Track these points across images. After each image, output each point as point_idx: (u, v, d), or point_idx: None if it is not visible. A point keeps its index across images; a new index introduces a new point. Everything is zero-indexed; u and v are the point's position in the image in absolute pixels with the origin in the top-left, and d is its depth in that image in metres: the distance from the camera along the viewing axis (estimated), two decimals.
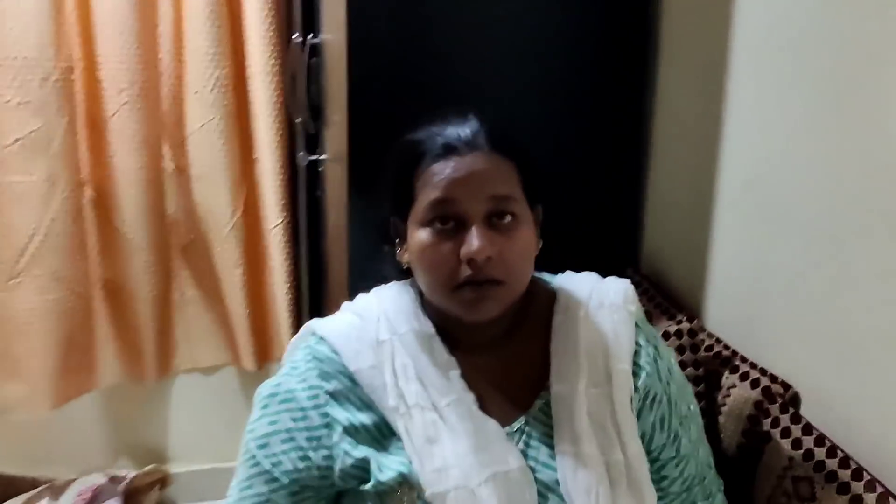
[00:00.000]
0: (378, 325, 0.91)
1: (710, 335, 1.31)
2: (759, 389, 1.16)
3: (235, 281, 2.05)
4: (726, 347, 1.26)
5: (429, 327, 0.92)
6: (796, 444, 1.06)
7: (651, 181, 1.57)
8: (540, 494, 0.87)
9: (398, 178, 0.91)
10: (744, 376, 1.19)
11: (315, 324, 0.97)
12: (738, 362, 1.22)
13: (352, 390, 0.88)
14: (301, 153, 1.60)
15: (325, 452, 0.87)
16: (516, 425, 0.91)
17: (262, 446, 0.89)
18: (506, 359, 0.94)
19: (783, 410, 1.10)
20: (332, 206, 1.60)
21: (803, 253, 1.17)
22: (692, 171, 1.41)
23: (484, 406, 0.90)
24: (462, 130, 0.88)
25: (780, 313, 1.20)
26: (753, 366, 1.20)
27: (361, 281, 1.02)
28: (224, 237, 2.01)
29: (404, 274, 0.97)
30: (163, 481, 2.22)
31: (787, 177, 1.18)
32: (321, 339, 0.92)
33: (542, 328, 0.96)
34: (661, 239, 1.57)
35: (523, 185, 0.90)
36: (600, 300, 0.97)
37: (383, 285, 1.00)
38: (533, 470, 0.88)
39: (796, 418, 1.08)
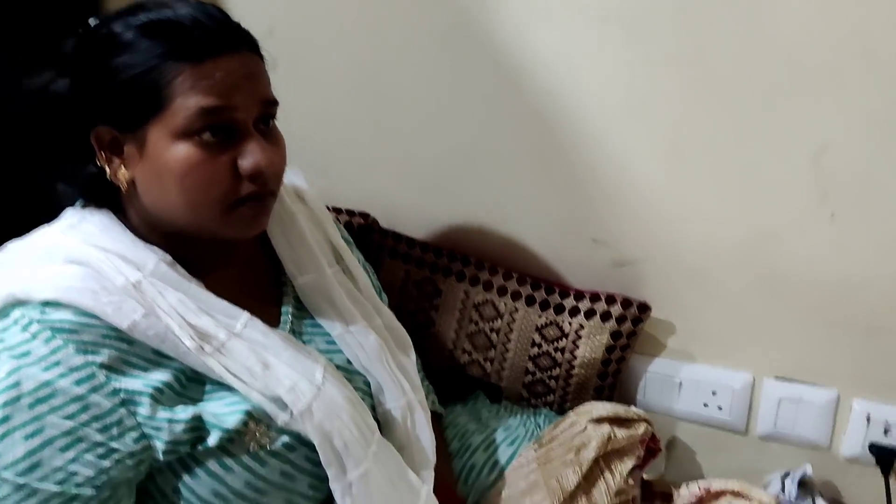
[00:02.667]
0: (114, 267, 0.73)
1: None
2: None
3: None
4: None
5: (164, 255, 0.77)
6: (406, 258, 1.22)
7: None
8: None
9: (126, 78, 0.72)
10: None
11: (20, 288, 0.70)
12: None
13: (129, 352, 0.72)
14: None
15: (134, 435, 0.70)
16: (286, 326, 0.86)
17: (31, 469, 0.66)
18: (238, 267, 0.86)
19: (383, 236, 1.24)
20: None
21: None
22: None
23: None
24: (212, 19, 0.74)
25: (342, 146, 1.30)
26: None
27: None
28: None
29: (94, 199, 0.79)
30: None
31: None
32: (48, 303, 0.70)
33: None
34: None
35: None
36: (290, 181, 0.95)
37: (64, 221, 0.78)
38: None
39: (397, 238, 1.23)
